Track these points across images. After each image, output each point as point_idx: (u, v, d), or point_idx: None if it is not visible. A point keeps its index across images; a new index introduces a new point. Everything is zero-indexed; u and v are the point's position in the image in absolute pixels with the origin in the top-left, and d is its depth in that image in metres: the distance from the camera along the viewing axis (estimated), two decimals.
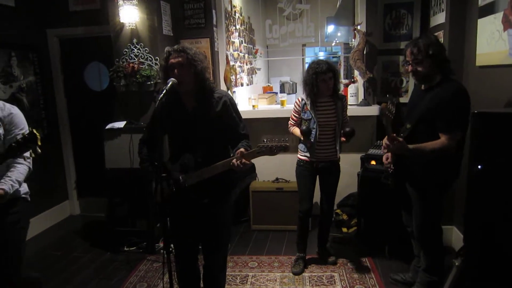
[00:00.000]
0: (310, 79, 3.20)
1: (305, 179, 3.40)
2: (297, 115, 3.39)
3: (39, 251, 3.93)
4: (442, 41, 3.51)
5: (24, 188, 2.52)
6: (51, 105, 4.84)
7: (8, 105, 2.46)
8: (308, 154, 3.34)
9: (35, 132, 2.04)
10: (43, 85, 4.67)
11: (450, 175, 2.65)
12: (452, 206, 3.60)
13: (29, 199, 2.56)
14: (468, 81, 3.35)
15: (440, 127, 2.51)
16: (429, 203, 2.70)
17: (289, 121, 3.47)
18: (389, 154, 2.85)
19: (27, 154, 2.17)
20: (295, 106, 3.40)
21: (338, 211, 4.29)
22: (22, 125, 2.46)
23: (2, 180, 2.31)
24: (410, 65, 2.59)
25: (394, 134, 2.51)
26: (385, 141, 2.58)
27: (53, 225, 4.77)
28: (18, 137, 2.07)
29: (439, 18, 3.73)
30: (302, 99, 3.34)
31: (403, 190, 2.84)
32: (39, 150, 2.06)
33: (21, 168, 2.40)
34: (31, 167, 2.48)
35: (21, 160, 2.38)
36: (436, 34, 3.72)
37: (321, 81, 3.17)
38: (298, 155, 3.44)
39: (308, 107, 3.29)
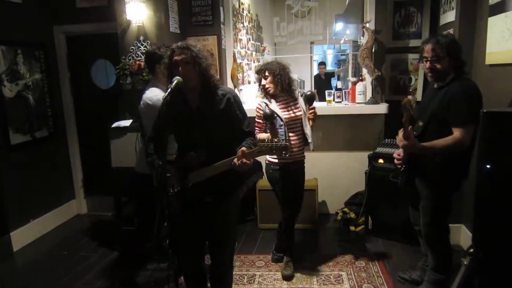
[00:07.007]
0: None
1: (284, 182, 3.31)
2: (261, 121, 3.23)
3: (46, 251, 3.93)
4: None
5: None
6: (57, 103, 4.83)
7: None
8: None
9: None
10: (49, 82, 4.66)
11: (460, 174, 2.63)
12: (461, 204, 3.56)
13: None
14: (477, 79, 3.28)
15: (453, 121, 2.49)
16: (439, 201, 2.68)
17: (256, 130, 3.25)
18: (401, 150, 2.82)
19: None
20: (257, 112, 3.25)
21: (345, 209, 4.26)
22: None
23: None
24: (428, 62, 2.56)
25: (414, 133, 2.52)
26: (400, 137, 2.56)
27: (60, 225, 4.73)
28: None
29: (449, 16, 3.68)
30: (264, 102, 3.21)
31: (412, 188, 2.82)
32: None
33: None
34: None
35: None
36: (445, 32, 3.68)
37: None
38: (269, 158, 3.27)
39: (271, 106, 3.18)
